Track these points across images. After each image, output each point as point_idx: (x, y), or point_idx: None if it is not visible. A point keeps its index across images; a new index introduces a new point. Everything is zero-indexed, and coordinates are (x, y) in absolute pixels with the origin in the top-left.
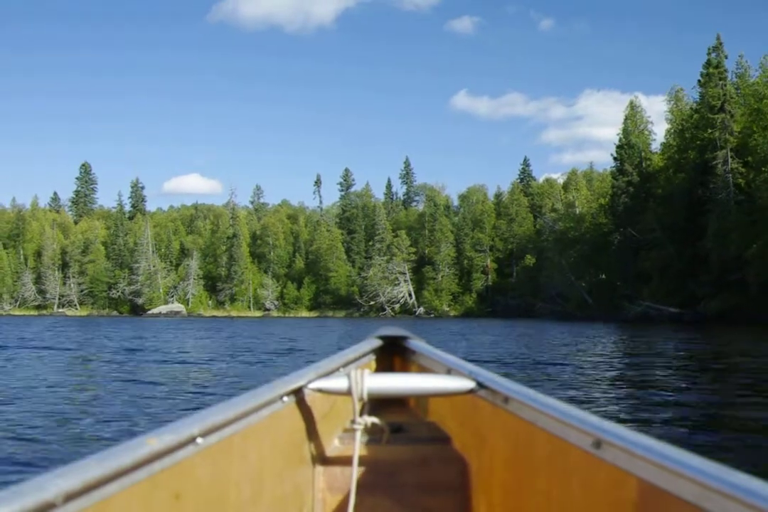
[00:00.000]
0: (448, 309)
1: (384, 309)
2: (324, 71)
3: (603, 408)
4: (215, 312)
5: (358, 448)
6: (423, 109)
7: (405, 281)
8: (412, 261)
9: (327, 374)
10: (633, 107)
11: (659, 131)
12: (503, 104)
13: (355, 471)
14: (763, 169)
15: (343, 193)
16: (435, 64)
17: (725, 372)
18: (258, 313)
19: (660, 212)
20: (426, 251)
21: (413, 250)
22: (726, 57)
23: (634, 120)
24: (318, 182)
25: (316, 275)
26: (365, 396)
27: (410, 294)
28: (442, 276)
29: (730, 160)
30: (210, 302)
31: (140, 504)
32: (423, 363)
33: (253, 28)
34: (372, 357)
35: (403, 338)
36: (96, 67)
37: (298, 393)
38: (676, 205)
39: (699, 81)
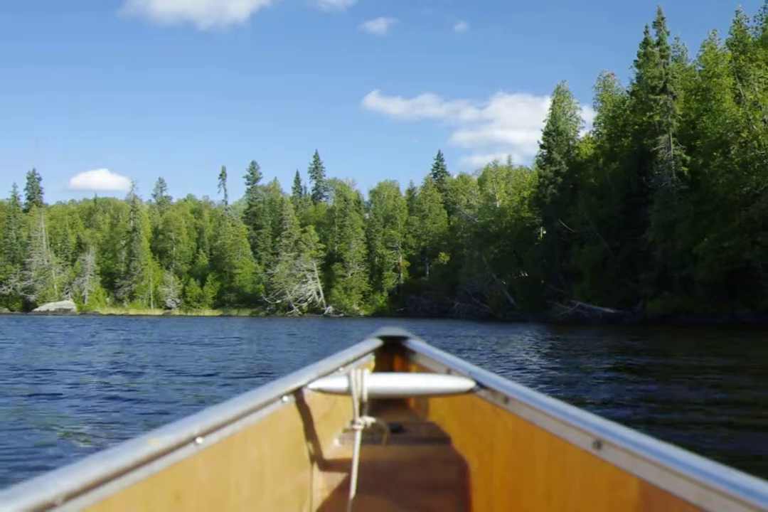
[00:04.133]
0: (358, 308)
1: (291, 308)
2: (235, 68)
3: None
4: (112, 311)
5: (357, 448)
6: (334, 107)
7: (313, 279)
8: (321, 258)
9: (327, 374)
10: (560, 92)
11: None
12: (416, 105)
13: (355, 471)
14: (714, 153)
15: (249, 186)
16: (348, 64)
17: (649, 376)
18: (158, 311)
19: (593, 203)
20: (335, 248)
21: (322, 246)
22: (668, 33)
23: (561, 106)
24: (223, 175)
25: (221, 272)
26: (365, 396)
27: (318, 293)
28: (352, 274)
29: (672, 145)
30: (107, 299)
31: (141, 504)
32: (423, 363)
33: (165, 23)
34: (372, 357)
35: (403, 338)
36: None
37: (297, 393)
38: (612, 196)
39: (636, 61)
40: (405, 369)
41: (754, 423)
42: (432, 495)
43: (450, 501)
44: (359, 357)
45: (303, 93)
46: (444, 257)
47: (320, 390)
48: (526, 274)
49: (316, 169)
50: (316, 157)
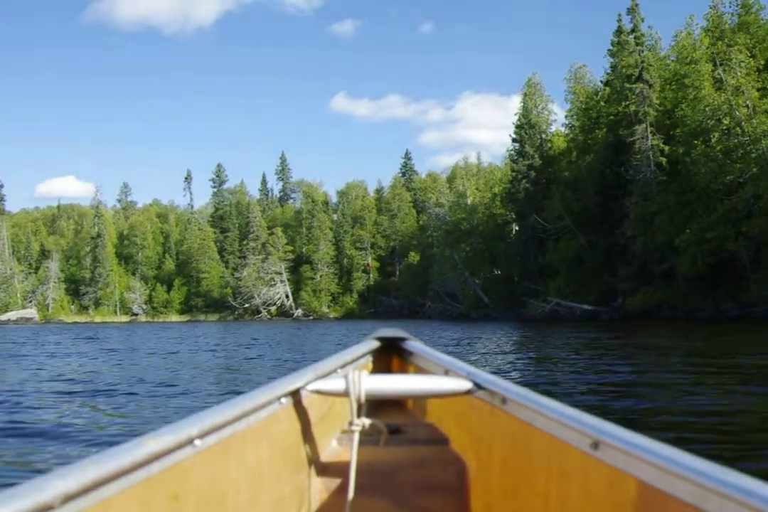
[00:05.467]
0: (327, 310)
1: (260, 312)
2: (200, 72)
3: None
4: (77, 318)
5: (356, 450)
6: (301, 109)
7: (282, 281)
8: (289, 261)
9: (324, 375)
10: (532, 85)
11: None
12: (383, 106)
13: (353, 473)
14: (695, 142)
15: (215, 189)
16: (315, 66)
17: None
18: (125, 318)
19: (568, 197)
20: (304, 250)
21: (290, 248)
22: (642, 20)
23: (533, 98)
24: (188, 178)
25: (187, 276)
26: (363, 398)
27: (287, 296)
28: (321, 276)
29: (650, 135)
30: (73, 307)
31: (138, 506)
32: (420, 364)
33: (129, 29)
34: (369, 359)
35: (401, 339)
36: None
37: (295, 395)
38: (587, 188)
39: (609, 50)
40: (403, 370)
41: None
42: (430, 496)
43: (448, 502)
44: (357, 359)
45: (270, 96)
46: (414, 257)
47: (318, 392)
48: (499, 272)
49: (282, 171)
50: (283, 159)
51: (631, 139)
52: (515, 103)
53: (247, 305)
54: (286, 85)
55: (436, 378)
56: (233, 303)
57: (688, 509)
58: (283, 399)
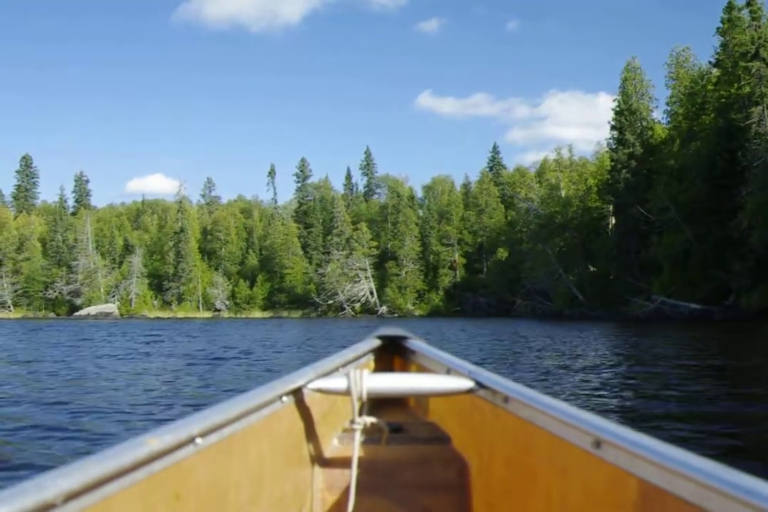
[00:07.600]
0: (412, 307)
1: (343, 309)
2: (287, 68)
3: None
4: (160, 314)
5: (357, 448)
6: (386, 106)
7: (366, 278)
8: (374, 257)
9: (326, 374)
10: (631, 69)
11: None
12: (468, 104)
13: (355, 471)
14: None
15: (299, 184)
16: (401, 65)
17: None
18: (207, 314)
19: (673, 187)
20: (389, 245)
21: (375, 244)
22: None
23: (632, 83)
24: (272, 173)
25: (271, 272)
26: (364, 396)
27: (372, 292)
28: (406, 273)
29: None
30: (155, 302)
31: (140, 504)
32: (422, 362)
33: (217, 28)
34: (371, 357)
35: (403, 338)
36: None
37: (297, 393)
38: (694, 178)
39: (718, 28)
40: (404, 369)
41: None
42: (432, 494)
43: (450, 500)
44: (359, 357)
45: (354, 92)
46: (502, 253)
47: (320, 390)
48: (595, 268)
49: (367, 166)
50: (368, 153)
51: (747, 122)
52: (602, 100)
53: (330, 301)
54: (371, 82)
55: (437, 376)
56: (317, 300)
57: (689, 508)
58: (285, 398)
